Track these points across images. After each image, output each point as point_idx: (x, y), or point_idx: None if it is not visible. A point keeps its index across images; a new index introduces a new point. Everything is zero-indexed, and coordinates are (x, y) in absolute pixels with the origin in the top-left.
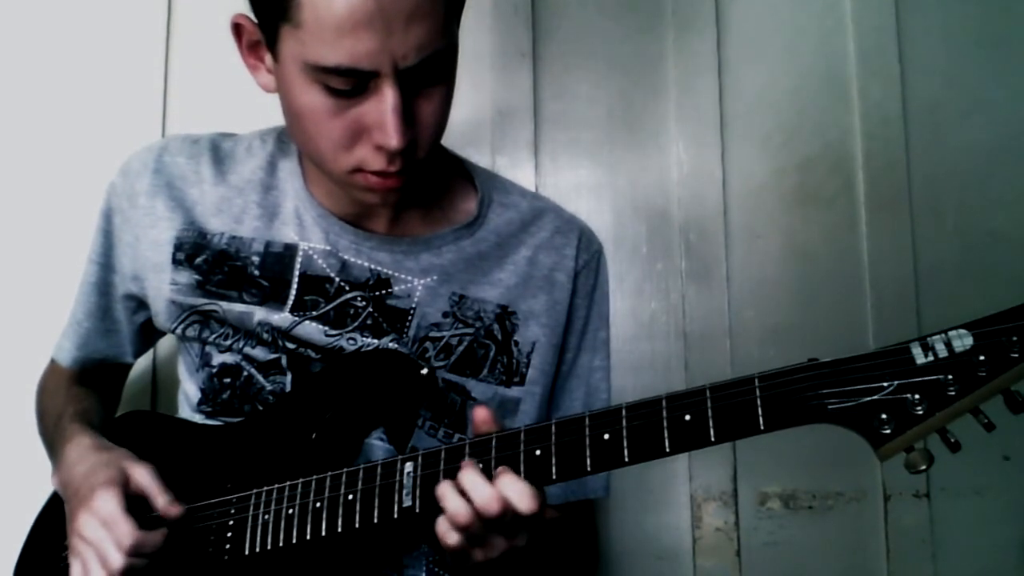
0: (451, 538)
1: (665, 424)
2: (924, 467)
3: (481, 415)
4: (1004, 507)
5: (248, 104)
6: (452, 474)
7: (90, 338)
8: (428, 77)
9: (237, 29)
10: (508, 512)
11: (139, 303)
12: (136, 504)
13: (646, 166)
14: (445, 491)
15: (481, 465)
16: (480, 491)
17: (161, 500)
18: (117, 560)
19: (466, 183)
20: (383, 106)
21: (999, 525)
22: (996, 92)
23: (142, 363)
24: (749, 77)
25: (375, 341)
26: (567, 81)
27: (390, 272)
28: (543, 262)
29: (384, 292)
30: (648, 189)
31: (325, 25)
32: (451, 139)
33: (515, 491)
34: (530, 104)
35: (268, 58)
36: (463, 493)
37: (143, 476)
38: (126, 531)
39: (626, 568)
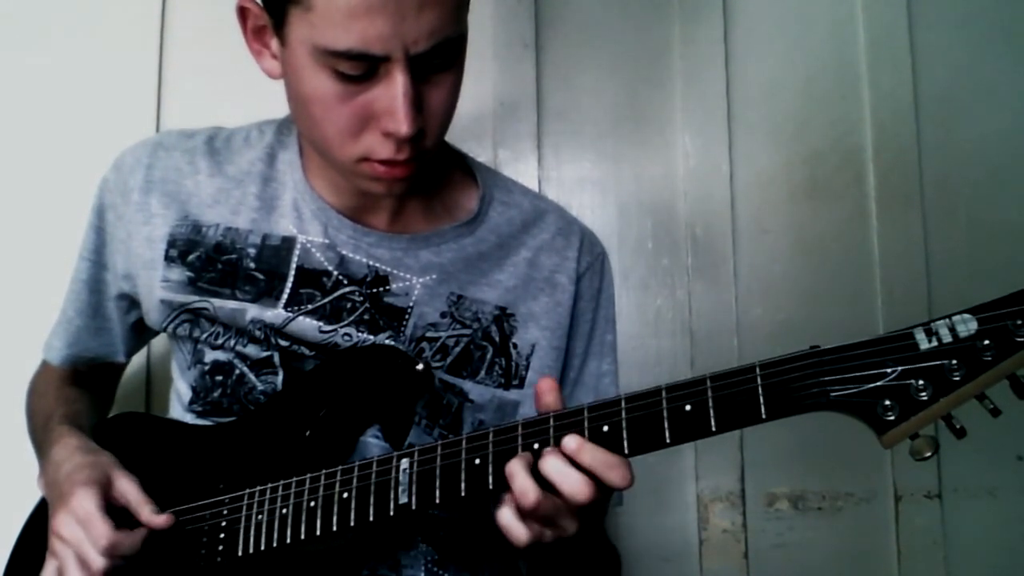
0: (522, 534)
1: (665, 414)
2: (929, 454)
3: (547, 383)
4: (1018, 507)
5: (244, 99)
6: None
7: (81, 336)
8: (438, 64)
9: (242, 13)
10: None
11: (131, 302)
12: (121, 509)
13: (651, 160)
14: (527, 486)
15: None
16: (569, 478)
17: (145, 511)
18: (97, 561)
19: (468, 179)
20: (393, 91)
21: (1012, 526)
22: (1008, 83)
23: (137, 361)
24: (757, 68)
25: (371, 337)
26: (571, 72)
27: (388, 269)
28: (544, 263)
29: (382, 289)
30: (653, 183)
31: (337, 8)
32: (453, 131)
33: (602, 463)
34: (533, 96)
35: (274, 43)
36: (542, 481)
37: (126, 487)
38: (102, 531)
39: (632, 569)
